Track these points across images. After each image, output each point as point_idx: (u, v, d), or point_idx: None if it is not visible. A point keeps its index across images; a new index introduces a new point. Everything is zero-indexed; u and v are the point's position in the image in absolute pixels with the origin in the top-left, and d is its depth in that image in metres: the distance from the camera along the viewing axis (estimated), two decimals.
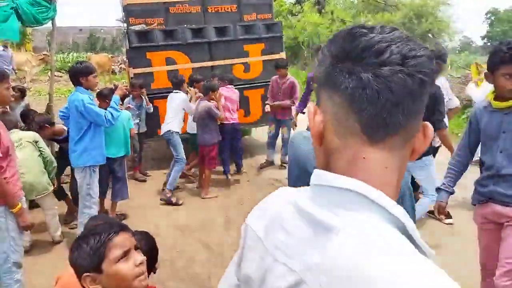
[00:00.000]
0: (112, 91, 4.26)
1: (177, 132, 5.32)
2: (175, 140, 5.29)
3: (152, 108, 5.94)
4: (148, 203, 5.19)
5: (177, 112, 5.33)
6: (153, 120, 6.10)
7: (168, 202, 5.09)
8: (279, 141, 6.24)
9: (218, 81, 5.62)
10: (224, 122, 5.47)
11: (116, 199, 4.61)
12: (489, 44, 32.97)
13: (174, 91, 5.42)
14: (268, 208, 0.75)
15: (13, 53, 11.20)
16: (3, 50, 9.85)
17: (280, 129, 6.17)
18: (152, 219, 4.70)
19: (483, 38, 38.33)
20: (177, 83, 5.45)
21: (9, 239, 2.72)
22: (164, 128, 5.37)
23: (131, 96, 5.69)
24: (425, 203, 3.83)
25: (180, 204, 5.09)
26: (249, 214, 0.80)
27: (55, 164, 4.08)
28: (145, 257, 1.33)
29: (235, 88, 5.93)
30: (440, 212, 2.67)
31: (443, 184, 2.64)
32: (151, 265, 1.73)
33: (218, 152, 5.46)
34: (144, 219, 4.67)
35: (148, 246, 1.75)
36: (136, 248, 1.32)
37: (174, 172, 5.24)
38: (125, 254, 1.26)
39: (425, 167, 3.65)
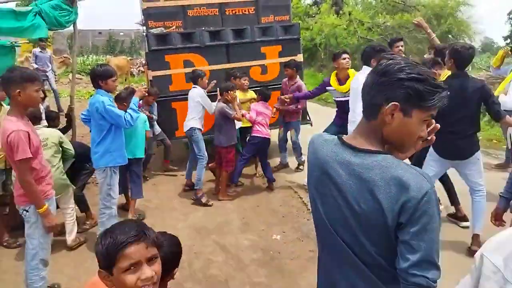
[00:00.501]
0: (130, 93, 4.30)
1: (199, 128, 5.30)
2: (197, 136, 5.28)
3: (156, 116, 6.01)
4: (165, 204, 5.23)
5: (196, 108, 5.31)
6: (171, 122, 6.16)
7: (198, 202, 5.14)
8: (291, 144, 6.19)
9: (257, 95, 5.69)
10: (258, 135, 5.38)
11: (133, 197, 4.69)
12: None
13: (193, 86, 5.41)
14: (508, 241, 0.77)
15: (52, 55, 11.01)
16: (40, 51, 9.89)
17: (288, 131, 6.13)
18: (169, 220, 4.74)
19: (505, 38, 37.32)
20: (192, 78, 5.42)
21: (38, 236, 2.82)
22: (186, 125, 5.37)
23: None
24: (484, 203, 3.66)
25: (210, 205, 5.12)
26: (483, 245, 0.82)
27: (73, 156, 4.18)
28: (154, 272, 1.26)
29: (253, 90, 5.98)
30: (496, 219, 2.63)
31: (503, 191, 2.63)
32: (171, 270, 1.71)
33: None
34: (161, 220, 4.71)
35: (171, 250, 1.72)
36: (150, 259, 1.27)
37: (198, 170, 5.24)
38: (133, 266, 1.23)
39: (478, 161, 3.62)
